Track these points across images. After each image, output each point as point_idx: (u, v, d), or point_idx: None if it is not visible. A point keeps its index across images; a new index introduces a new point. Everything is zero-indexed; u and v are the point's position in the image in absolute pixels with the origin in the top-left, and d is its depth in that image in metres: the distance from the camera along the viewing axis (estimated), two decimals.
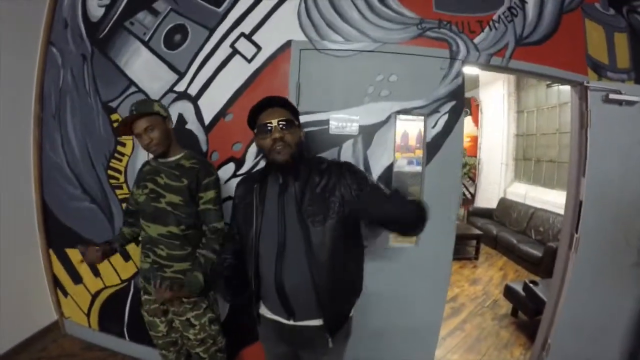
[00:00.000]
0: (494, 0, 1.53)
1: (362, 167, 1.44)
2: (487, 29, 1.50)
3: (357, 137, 1.44)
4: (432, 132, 1.46)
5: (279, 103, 0.95)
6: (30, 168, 1.87)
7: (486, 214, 4.97)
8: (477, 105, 5.88)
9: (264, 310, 1.00)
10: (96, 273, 1.87)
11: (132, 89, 1.64)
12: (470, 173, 5.90)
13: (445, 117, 1.46)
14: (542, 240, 3.62)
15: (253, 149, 1.50)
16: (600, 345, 1.73)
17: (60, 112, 1.80)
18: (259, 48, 1.49)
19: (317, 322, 0.94)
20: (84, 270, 1.90)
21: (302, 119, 1.41)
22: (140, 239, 1.30)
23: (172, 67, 1.58)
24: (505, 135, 5.13)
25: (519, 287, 2.36)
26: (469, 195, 6.01)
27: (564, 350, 1.71)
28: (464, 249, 4.03)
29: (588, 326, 1.70)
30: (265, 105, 0.93)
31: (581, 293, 1.66)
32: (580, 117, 1.62)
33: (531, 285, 2.21)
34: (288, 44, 1.45)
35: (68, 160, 1.80)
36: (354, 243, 0.99)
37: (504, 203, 4.84)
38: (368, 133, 1.44)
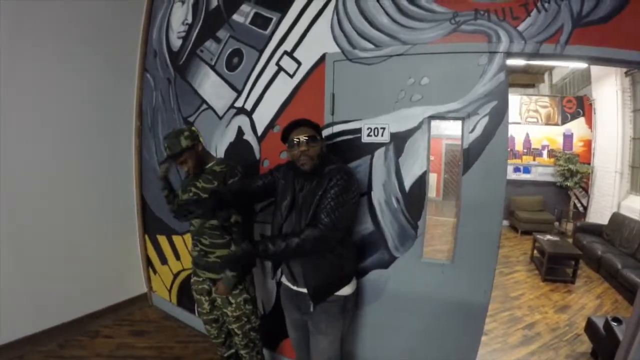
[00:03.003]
0: None
1: (394, 176, 1.55)
2: (534, 12, 1.34)
3: (388, 145, 1.54)
4: (470, 137, 1.44)
5: (304, 123, 1.29)
6: (132, 169, 2.59)
7: (596, 230, 4.33)
8: (590, 105, 5.05)
9: (283, 279, 1.44)
10: (177, 257, 2.46)
11: (204, 106, 2.12)
12: (583, 182, 5.12)
13: (486, 119, 1.41)
14: None
15: None
16: None
17: (154, 126, 2.45)
18: (299, 63, 1.74)
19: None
20: (169, 253, 2.52)
21: (338, 128, 1.64)
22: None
23: (232, 86, 1.98)
24: (621, 139, 4.35)
25: (601, 323, 2.06)
26: (580, 208, 5.22)
27: None
28: (561, 270, 3.60)
29: None
30: (295, 125, 1.28)
31: None
32: None
33: (613, 323, 1.91)
34: (323, 57, 1.66)
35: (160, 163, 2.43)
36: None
37: (616, 219, 4.16)
38: (400, 140, 1.53)
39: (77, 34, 2.13)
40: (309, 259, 1.26)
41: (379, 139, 1.57)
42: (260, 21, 1.87)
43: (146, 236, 2.66)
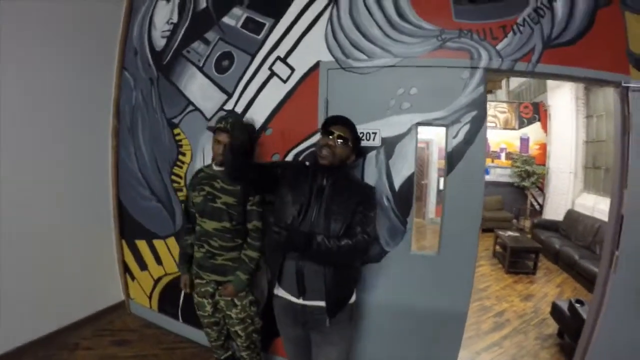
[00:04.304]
0: (518, 3, 1.59)
1: (384, 177, 1.71)
2: (510, 33, 1.59)
3: (379, 149, 1.70)
4: (454, 142, 1.64)
5: (349, 125, 1.32)
6: (109, 171, 2.51)
7: (552, 226, 4.87)
8: (546, 111, 5.67)
9: (279, 291, 1.33)
10: (159, 261, 2.43)
11: (190, 107, 2.13)
12: (539, 183, 5.70)
13: (467, 126, 1.63)
14: None
15: (289, 159, 1.84)
16: None
17: (133, 126, 2.39)
18: (292, 69, 1.84)
19: (322, 303, 1.26)
20: (149, 258, 2.48)
21: None
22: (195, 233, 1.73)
23: (222, 88, 2.02)
24: (574, 142, 4.98)
25: (565, 306, 2.38)
26: (537, 207, 5.81)
27: None
28: (522, 263, 4.02)
29: (625, 355, 1.66)
30: (340, 121, 1.31)
31: (620, 319, 1.64)
32: (622, 122, 1.62)
33: (577, 305, 2.22)
34: (317, 64, 1.78)
35: (139, 166, 2.37)
36: None
37: (571, 215, 4.71)
38: (390, 144, 1.69)
39: (52, 29, 2.03)
40: (334, 270, 1.24)
41: (370, 143, 1.71)
42: (252, 26, 1.93)
43: (123, 242, 2.58)
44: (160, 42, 2.26)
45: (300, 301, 1.28)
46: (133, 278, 2.60)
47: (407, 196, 1.72)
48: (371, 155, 1.72)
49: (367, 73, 1.71)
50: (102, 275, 2.55)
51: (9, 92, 1.87)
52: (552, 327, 2.65)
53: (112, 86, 2.43)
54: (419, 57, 1.66)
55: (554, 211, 5.31)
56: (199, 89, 2.10)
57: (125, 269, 2.62)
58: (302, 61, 1.82)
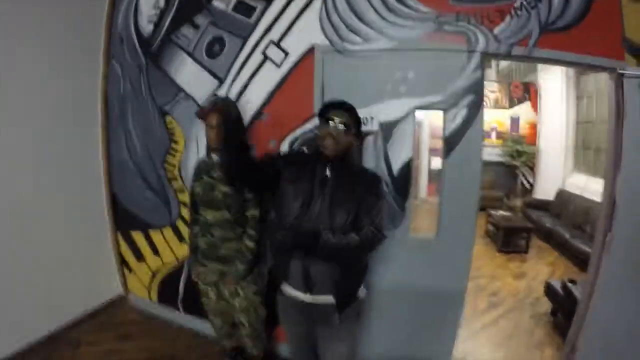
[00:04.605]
0: None
1: (382, 162, 1.71)
2: (507, 18, 1.57)
3: (377, 133, 1.69)
4: (451, 126, 1.64)
5: (349, 110, 1.24)
6: (100, 163, 2.46)
7: (543, 206, 4.94)
8: (536, 91, 5.66)
9: (285, 287, 1.29)
10: (156, 252, 2.41)
11: (182, 94, 2.07)
12: (529, 162, 5.75)
13: (465, 110, 1.62)
14: None
15: (285, 145, 1.82)
16: (632, 355, 1.73)
17: (123, 116, 2.33)
18: (286, 53, 1.79)
19: (330, 298, 1.23)
20: (145, 250, 2.46)
21: None
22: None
23: (213, 74, 1.97)
24: (565, 122, 5.01)
25: (558, 286, 2.45)
26: (527, 186, 5.89)
27: (593, 356, 1.77)
28: (514, 241, 4.08)
29: (619, 333, 1.72)
30: (338, 106, 1.23)
31: (613, 298, 1.69)
32: (616, 107, 1.64)
33: (569, 284, 2.29)
34: (312, 48, 1.73)
35: (132, 156, 2.32)
36: None
37: (562, 195, 4.78)
38: (388, 129, 1.68)
39: (36, 22, 1.94)
40: (342, 264, 1.21)
41: (368, 128, 1.70)
42: (243, 8, 1.87)
43: (118, 234, 2.56)
44: (147, 28, 2.17)
45: (308, 297, 1.24)
46: (130, 270, 2.59)
47: (406, 180, 1.73)
48: (369, 139, 1.71)
49: (363, 57, 1.68)
50: (100, 269, 2.53)
51: None
52: (546, 305, 2.73)
53: (99, 76, 2.35)
54: (416, 41, 1.64)
55: (544, 190, 5.37)
56: (190, 75, 2.04)
57: (122, 261, 2.60)
58: (296, 45, 1.78)
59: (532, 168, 5.82)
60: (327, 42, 1.72)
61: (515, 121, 6.18)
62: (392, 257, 1.77)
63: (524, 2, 1.58)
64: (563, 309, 2.39)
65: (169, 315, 2.43)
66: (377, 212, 1.25)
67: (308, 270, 1.20)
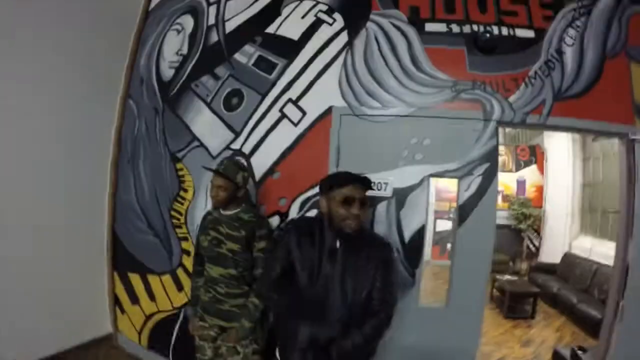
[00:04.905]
0: (530, 56, 1.66)
1: (395, 228, 1.68)
2: (522, 86, 1.63)
3: (390, 199, 1.67)
4: (465, 195, 1.63)
5: (365, 183, 1.20)
6: (105, 202, 2.42)
7: (549, 269, 4.86)
8: (542, 153, 5.77)
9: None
10: (152, 298, 2.32)
11: (196, 142, 2.08)
12: (535, 225, 5.75)
13: (479, 179, 1.63)
14: (605, 300, 3.45)
15: (297, 204, 1.81)
16: None
17: (134, 157, 2.33)
18: (304, 113, 1.82)
19: None
20: (141, 293, 2.37)
21: None
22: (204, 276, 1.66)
23: (229, 126, 1.98)
24: (571, 185, 5.07)
25: (567, 354, 2.36)
26: (533, 249, 5.84)
27: None
28: (520, 307, 3.98)
29: None
30: (354, 180, 1.18)
31: None
32: (627, 171, 1.66)
33: (579, 352, 2.21)
34: (329, 109, 1.76)
35: (138, 198, 2.29)
36: None
37: (568, 258, 4.73)
38: (401, 195, 1.67)
39: (58, 51, 2.00)
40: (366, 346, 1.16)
41: (381, 193, 1.69)
42: (264, 65, 1.92)
43: (115, 273, 2.48)
44: (168, 73, 2.23)
45: None
46: (123, 311, 2.48)
47: (417, 248, 1.69)
48: (382, 205, 1.69)
49: (380, 122, 1.71)
50: (91, 305, 2.42)
51: (10, 113, 1.82)
52: None
53: (114, 114, 2.38)
54: (434, 108, 1.67)
55: (550, 253, 5.31)
56: (206, 125, 2.06)
57: (116, 301, 2.51)
58: (314, 105, 1.81)
59: (538, 231, 5.80)
60: (345, 105, 1.75)
61: (521, 184, 6.18)
62: (399, 329, 1.69)
63: (538, 71, 1.64)
64: None
65: None
66: (390, 288, 1.21)
67: (317, 341, 1.12)
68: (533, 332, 3.51)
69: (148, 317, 2.35)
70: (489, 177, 1.65)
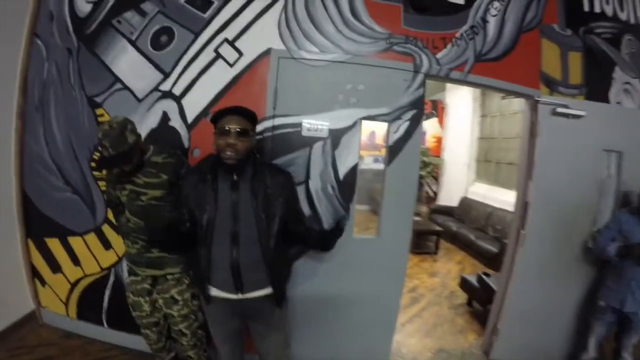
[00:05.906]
0: (458, 19, 1.86)
1: (330, 166, 1.77)
2: (449, 45, 1.83)
3: (326, 140, 1.75)
4: (394, 137, 1.79)
5: (242, 113, 1.22)
6: (12, 159, 2.10)
7: (447, 211, 5.54)
8: (443, 108, 6.38)
9: (214, 292, 1.29)
10: (76, 262, 2.12)
11: (118, 85, 1.89)
12: (434, 172, 6.40)
13: (407, 123, 1.80)
14: (499, 237, 4.12)
15: None
16: (545, 332, 2.11)
17: (43, 104, 2.03)
18: (240, 54, 1.77)
19: (262, 293, 1.28)
20: (63, 259, 2.15)
21: (278, 121, 1.75)
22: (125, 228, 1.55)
23: (157, 67, 1.84)
24: (469, 138, 5.72)
25: (473, 279, 2.80)
26: (432, 194, 6.50)
27: (512, 335, 2.09)
28: (425, 244, 4.50)
29: (533, 314, 2.08)
30: (229, 112, 1.21)
31: (526, 284, 2.03)
32: (530, 127, 1.98)
33: (484, 276, 2.63)
34: (268, 51, 1.74)
35: (50, 152, 2.02)
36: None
37: (464, 202, 5.41)
38: (336, 136, 1.76)
39: None
40: (275, 260, 1.26)
41: (318, 134, 1.76)
42: (199, 2, 1.80)
43: (29, 241, 2.20)
44: (84, 8, 1.94)
45: (239, 296, 1.26)
46: (44, 283, 2.22)
47: (351, 184, 1.82)
48: (318, 145, 1.77)
49: (317, 66, 1.74)
50: (6, 284, 2.12)
51: None
52: (461, 297, 3.08)
53: (18, 55, 2.04)
54: (369, 57, 1.77)
55: (447, 198, 6.02)
56: (130, 65, 1.87)
57: (34, 273, 2.23)
58: (252, 46, 1.76)
59: (436, 178, 6.47)
60: (283, 48, 1.74)
61: (422, 134, 6.81)
62: (337, 259, 1.83)
63: (464, 33, 1.86)
64: (479, 298, 2.74)
65: (91, 332, 2.14)
66: (302, 215, 1.46)
67: (237, 266, 1.21)
68: (438, 265, 4.09)
69: (74, 285, 2.16)
70: (416, 121, 1.83)
